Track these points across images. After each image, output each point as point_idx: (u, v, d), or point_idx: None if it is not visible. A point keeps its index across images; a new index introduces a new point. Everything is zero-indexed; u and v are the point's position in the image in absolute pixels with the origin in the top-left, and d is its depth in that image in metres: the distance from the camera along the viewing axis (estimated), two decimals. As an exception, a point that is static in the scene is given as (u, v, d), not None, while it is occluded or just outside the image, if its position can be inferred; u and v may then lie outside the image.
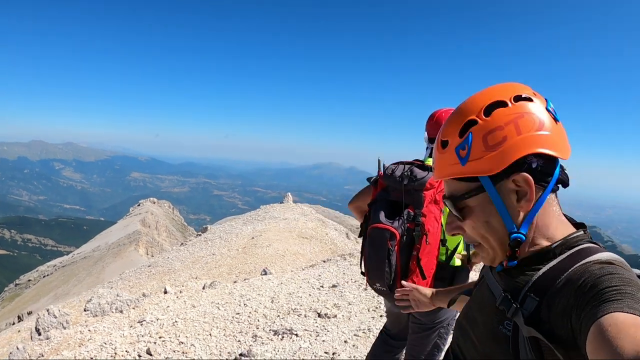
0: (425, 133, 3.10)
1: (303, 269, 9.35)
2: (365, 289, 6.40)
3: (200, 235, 16.98)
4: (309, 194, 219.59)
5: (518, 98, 1.03)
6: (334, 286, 6.81)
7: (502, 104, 1.02)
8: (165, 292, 7.27)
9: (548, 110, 1.03)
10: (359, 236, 3.01)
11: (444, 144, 1.08)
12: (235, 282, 8.29)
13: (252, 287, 7.29)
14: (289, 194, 24.91)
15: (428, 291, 1.83)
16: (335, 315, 5.34)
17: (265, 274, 8.95)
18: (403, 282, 1.99)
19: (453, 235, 1.16)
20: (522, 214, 1.03)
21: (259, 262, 12.19)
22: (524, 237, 1.03)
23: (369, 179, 3.02)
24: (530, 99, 1.03)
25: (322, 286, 6.93)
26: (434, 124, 2.99)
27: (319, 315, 5.43)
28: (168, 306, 6.31)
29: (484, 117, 1.02)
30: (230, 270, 11.58)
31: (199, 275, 11.23)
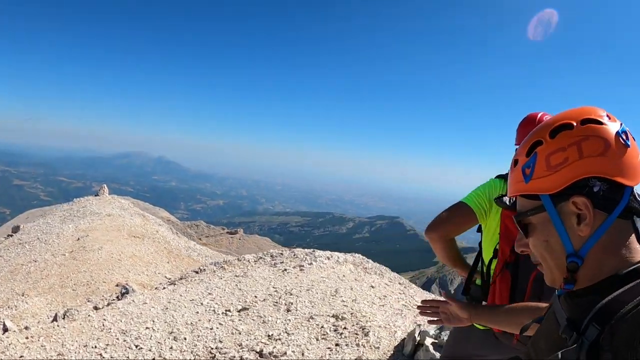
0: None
1: (174, 284, 7.65)
2: (282, 310, 5.37)
3: (12, 236, 13.21)
4: (116, 184, 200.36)
5: (586, 121, 1.04)
6: (244, 309, 5.56)
7: (568, 126, 1.05)
8: (6, 330, 4.96)
9: (619, 135, 1.02)
10: (485, 287, 2.15)
11: (515, 163, 1.12)
12: (97, 308, 6.23)
13: (129, 316, 5.50)
14: (105, 185, 22.71)
15: (467, 309, 1.78)
16: (285, 353, 4.21)
17: (127, 292, 7.03)
18: (444, 295, 1.88)
19: (522, 252, 1.15)
20: (582, 238, 1.02)
21: (94, 269, 9.96)
22: (580, 262, 1.02)
23: (498, 200, 2.17)
24: (599, 122, 1.03)
25: (228, 310, 5.60)
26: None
27: (261, 355, 4.22)
28: (21, 356, 4.22)
29: (549, 138, 1.05)
30: (63, 282, 9.05)
31: (25, 290, 8.48)
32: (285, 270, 7.54)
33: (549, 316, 1.19)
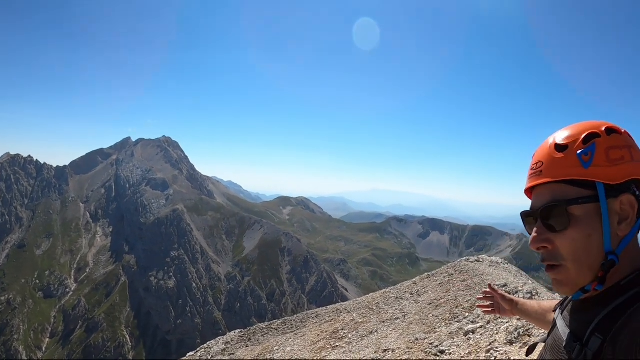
0: None
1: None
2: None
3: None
4: None
5: (627, 133, 1.16)
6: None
7: (617, 131, 1.13)
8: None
9: None
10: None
11: (562, 148, 1.13)
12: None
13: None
14: None
15: (511, 301, 1.81)
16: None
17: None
18: (489, 286, 1.93)
19: (537, 250, 1.10)
20: (619, 238, 1.05)
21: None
22: (617, 261, 1.03)
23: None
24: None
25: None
26: None
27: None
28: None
29: (606, 134, 1.12)
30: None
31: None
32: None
33: (553, 331, 1.18)
